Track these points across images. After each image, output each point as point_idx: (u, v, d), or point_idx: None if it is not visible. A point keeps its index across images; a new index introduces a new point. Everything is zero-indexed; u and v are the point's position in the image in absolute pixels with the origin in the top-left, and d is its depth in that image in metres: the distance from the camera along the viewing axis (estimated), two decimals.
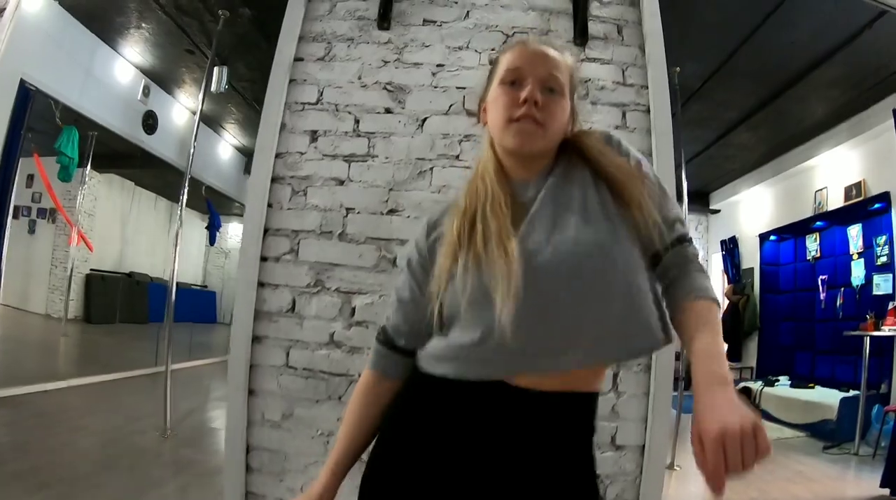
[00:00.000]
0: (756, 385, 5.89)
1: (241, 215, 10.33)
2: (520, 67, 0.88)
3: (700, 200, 8.09)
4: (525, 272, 0.78)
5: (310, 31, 1.73)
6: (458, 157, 1.64)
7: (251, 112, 6.68)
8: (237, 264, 1.57)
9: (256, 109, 6.47)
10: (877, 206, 5.09)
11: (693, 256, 0.88)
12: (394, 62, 1.69)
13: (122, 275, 8.98)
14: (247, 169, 8.70)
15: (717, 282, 8.10)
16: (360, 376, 1.51)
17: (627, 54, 1.71)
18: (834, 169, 5.74)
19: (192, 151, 4.16)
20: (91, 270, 8.36)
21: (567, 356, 0.78)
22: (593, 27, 1.71)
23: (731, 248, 7.60)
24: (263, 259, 1.63)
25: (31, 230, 8.25)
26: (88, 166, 6.22)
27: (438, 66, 1.69)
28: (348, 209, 1.63)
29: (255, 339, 1.62)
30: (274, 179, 1.64)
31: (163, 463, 3.25)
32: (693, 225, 8.16)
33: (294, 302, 1.62)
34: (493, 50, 1.70)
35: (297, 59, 1.71)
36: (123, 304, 8.80)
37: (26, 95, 4.26)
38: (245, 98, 6.34)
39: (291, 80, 1.69)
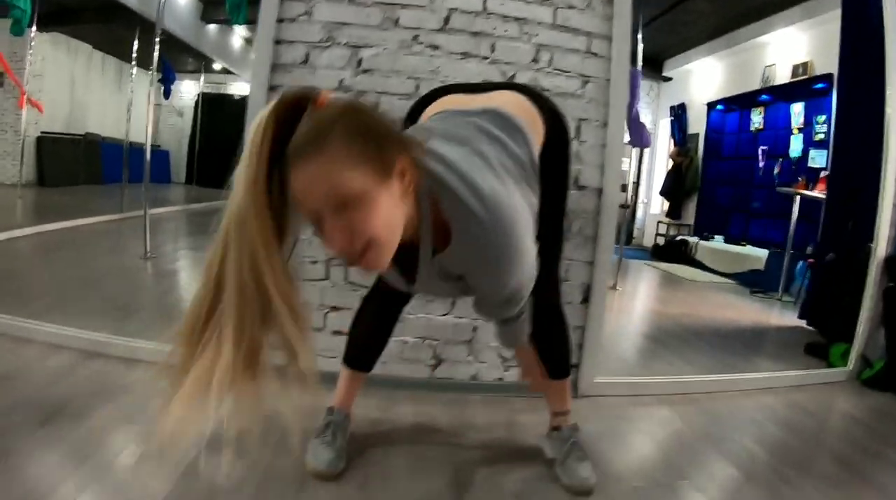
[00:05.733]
0: (692, 239, 6.51)
1: (196, 73, 10.14)
2: (305, 207, 0.77)
3: (654, 67, 8.35)
4: None
5: None
6: None
7: None
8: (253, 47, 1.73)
9: None
10: (820, 86, 5.49)
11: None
12: None
13: (74, 136, 8.71)
14: (204, 16, 8.37)
15: (664, 145, 8.61)
16: None
17: None
18: (784, 47, 6.09)
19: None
20: (42, 132, 8.08)
21: None
22: None
23: (679, 114, 8.01)
24: (280, 21, 1.81)
25: None
26: (34, 27, 5.88)
27: None
28: None
29: (272, 88, 1.82)
30: None
31: (149, 275, 3.55)
32: (644, 91, 8.43)
33: (308, 55, 1.83)
34: None
35: None
36: (78, 166, 8.61)
37: None
38: None
39: None
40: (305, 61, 1.82)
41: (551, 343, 1.39)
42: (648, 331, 3.22)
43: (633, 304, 4.08)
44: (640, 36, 4.55)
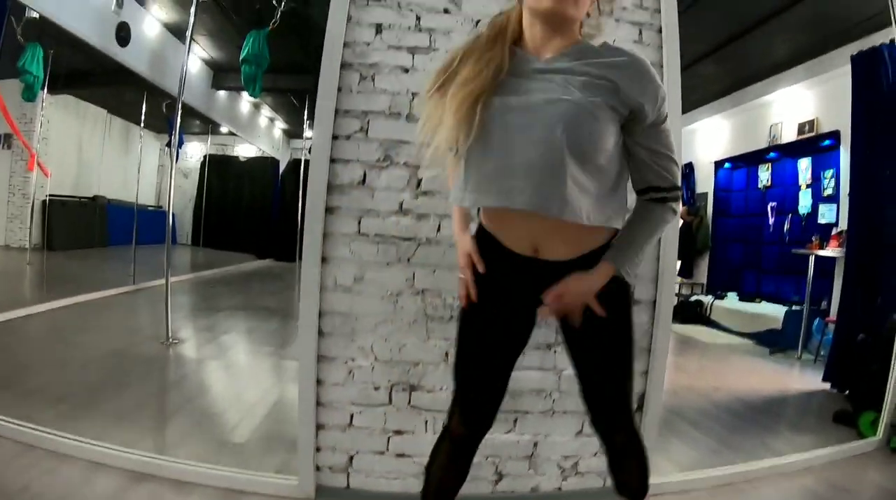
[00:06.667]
0: (707, 299, 6.48)
1: (202, 135, 10.26)
2: None
3: None
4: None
5: None
6: None
7: (225, 23, 6.51)
8: (313, 143, 1.75)
9: (233, 19, 6.29)
10: (827, 142, 5.55)
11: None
12: None
13: (81, 199, 8.74)
14: (214, 83, 8.52)
15: None
16: (426, 239, 1.76)
17: None
18: (790, 105, 6.17)
19: (184, 71, 4.11)
20: (50, 195, 8.11)
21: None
22: None
23: (686, 173, 8.03)
24: (335, 137, 1.81)
25: None
26: (45, 89, 5.98)
27: None
28: (414, 94, 1.83)
29: (328, 210, 1.82)
30: (343, 66, 1.81)
31: (175, 366, 3.39)
32: None
33: (365, 175, 1.83)
34: None
35: None
36: (86, 229, 8.62)
37: (2, 7, 4.02)
38: (222, 7, 6.13)
39: None
40: (363, 182, 1.83)
41: (633, 468, 1.36)
42: (682, 411, 3.17)
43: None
44: None
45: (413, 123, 1.81)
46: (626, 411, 1.31)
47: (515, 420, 1.91)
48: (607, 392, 1.27)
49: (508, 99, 1.10)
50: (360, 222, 1.84)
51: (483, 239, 1.24)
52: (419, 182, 1.83)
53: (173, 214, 10.89)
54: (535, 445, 1.92)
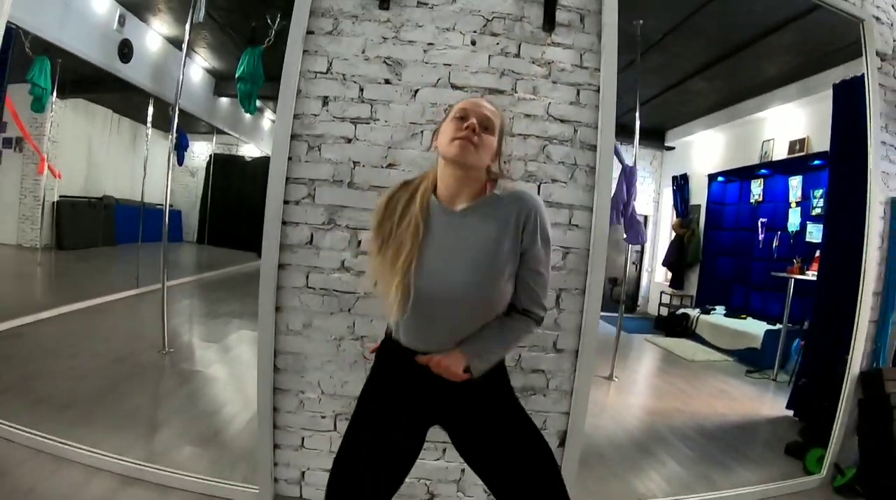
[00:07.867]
0: (693, 313, 6.61)
1: (208, 134, 10.49)
2: (466, 109, 1.33)
3: (656, 137, 8.58)
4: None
5: (319, 7, 2.03)
6: None
7: (224, 37, 6.71)
8: (265, 201, 1.97)
9: (231, 34, 6.51)
10: (817, 162, 5.62)
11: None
12: (392, 39, 2.03)
13: (90, 200, 9.00)
14: (216, 90, 8.73)
15: (667, 215, 8.72)
16: (365, 293, 1.94)
17: (586, 41, 2.09)
18: (782, 123, 6.24)
19: (180, 81, 4.35)
20: (60, 196, 8.38)
21: None
22: (560, 15, 2.07)
23: (681, 184, 8.15)
24: (286, 202, 2.01)
25: None
26: (54, 94, 6.21)
27: (429, 44, 2.04)
28: (355, 163, 2.02)
29: (281, 266, 2.03)
30: (293, 137, 2.00)
31: (167, 377, 3.64)
32: (647, 160, 8.71)
33: (312, 236, 2.03)
34: (475, 32, 2.05)
35: (309, 32, 2.03)
36: (93, 228, 8.88)
37: (8, 34, 4.20)
38: (220, 24, 6.33)
39: (304, 51, 2.01)
40: (310, 242, 2.03)
41: None
42: (636, 436, 3.30)
43: (627, 400, 4.17)
44: (637, 114, 4.77)
45: (354, 190, 2.01)
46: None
47: (444, 450, 2.14)
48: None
49: (431, 250, 1.30)
50: (307, 277, 2.05)
51: (389, 348, 1.41)
52: (359, 243, 2.03)
53: (180, 213, 11.27)
54: (463, 471, 2.16)
